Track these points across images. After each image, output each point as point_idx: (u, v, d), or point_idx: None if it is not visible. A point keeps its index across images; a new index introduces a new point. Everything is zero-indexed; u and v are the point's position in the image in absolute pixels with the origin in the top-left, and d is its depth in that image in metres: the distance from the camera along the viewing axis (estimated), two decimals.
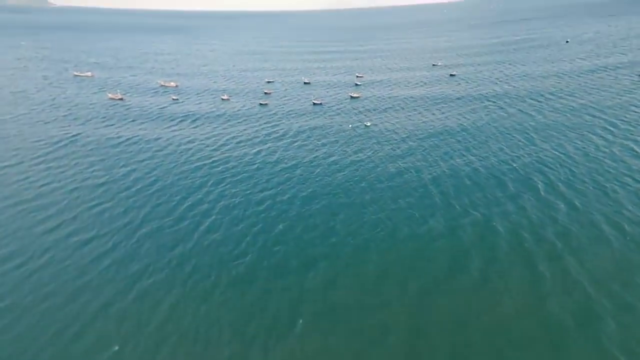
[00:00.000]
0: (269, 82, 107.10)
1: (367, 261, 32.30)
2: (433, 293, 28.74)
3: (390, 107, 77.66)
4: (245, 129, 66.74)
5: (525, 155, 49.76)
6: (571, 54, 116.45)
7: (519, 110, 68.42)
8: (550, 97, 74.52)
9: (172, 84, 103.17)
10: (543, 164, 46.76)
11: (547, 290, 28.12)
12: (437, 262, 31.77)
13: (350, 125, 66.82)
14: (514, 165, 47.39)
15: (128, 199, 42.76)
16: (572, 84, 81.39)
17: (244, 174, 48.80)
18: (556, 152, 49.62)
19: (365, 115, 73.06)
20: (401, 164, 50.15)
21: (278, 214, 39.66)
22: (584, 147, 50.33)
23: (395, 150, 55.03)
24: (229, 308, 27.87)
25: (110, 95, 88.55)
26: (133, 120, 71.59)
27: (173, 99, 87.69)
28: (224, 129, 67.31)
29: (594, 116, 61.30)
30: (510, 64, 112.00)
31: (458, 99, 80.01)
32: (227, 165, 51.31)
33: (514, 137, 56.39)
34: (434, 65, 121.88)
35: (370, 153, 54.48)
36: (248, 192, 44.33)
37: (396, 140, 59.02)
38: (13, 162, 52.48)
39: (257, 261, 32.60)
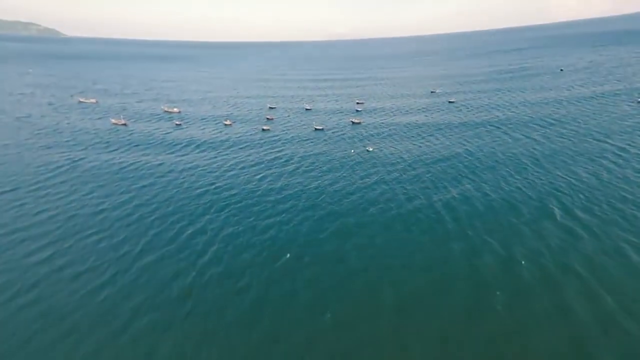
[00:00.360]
0: (271, 108, 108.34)
1: (381, 296, 30.00)
2: (456, 333, 26.28)
3: (392, 133, 77.70)
4: (248, 155, 66.06)
5: (536, 181, 48.63)
6: (567, 81, 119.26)
7: (524, 135, 68.32)
8: (554, 122, 74.86)
9: (176, 109, 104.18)
10: (556, 189, 45.50)
11: (583, 330, 25.73)
12: (457, 297, 29.49)
13: (353, 151, 66.38)
14: (526, 190, 46.11)
15: (127, 227, 40.85)
16: (573, 111, 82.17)
17: (248, 201, 47.25)
18: (568, 178, 48.55)
19: (367, 140, 72.86)
20: (409, 190, 48.83)
21: (284, 243, 37.68)
22: (595, 172, 49.35)
23: (402, 175, 53.95)
24: (231, 351, 25.27)
25: (113, 121, 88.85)
26: (135, 146, 71.07)
27: (176, 124, 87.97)
28: (227, 154, 66.63)
29: (600, 141, 61.01)
30: (508, 91, 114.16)
31: (461, 124, 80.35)
32: (230, 192, 49.87)
33: (522, 162, 55.59)
34: (432, 92, 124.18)
35: (376, 178, 53.34)
36: (252, 219, 42.56)
37: (402, 165, 58.15)
38: (9, 188, 50.97)
39: (263, 297, 30.24)
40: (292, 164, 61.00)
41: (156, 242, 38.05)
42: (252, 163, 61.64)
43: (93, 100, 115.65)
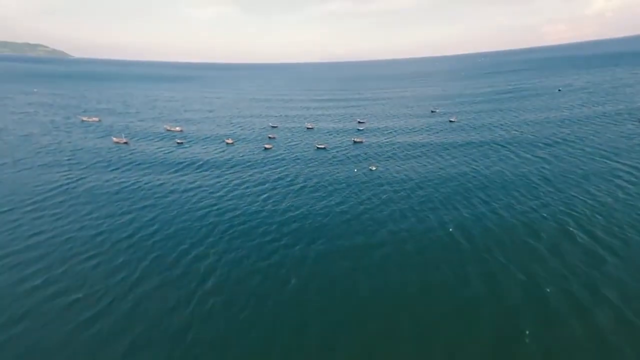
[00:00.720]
0: (273, 127, 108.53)
1: (398, 326, 27.76)
2: None
3: (394, 152, 76.97)
4: (251, 175, 64.75)
5: (550, 200, 47.19)
6: (567, 101, 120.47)
7: (531, 155, 67.49)
8: (559, 141, 74.41)
9: (178, 128, 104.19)
10: (572, 210, 43.96)
11: None
12: (480, 327, 27.29)
13: (355, 170, 65.49)
14: (540, 210, 44.55)
15: (126, 251, 38.81)
16: (577, 130, 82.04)
17: (252, 223, 45.40)
18: (582, 197, 47.15)
19: (371, 159, 71.98)
20: (419, 210, 47.22)
21: (290, 269, 35.60)
22: (611, 192, 48.02)
23: (410, 195, 52.48)
24: None
25: (115, 139, 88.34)
26: (137, 165, 69.91)
27: (178, 143, 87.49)
28: (230, 173, 65.32)
29: (610, 160, 60.15)
30: (508, 111, 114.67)
31: (466, 143, 79.77)
32: (233, 213, 48.12)
33: (532, 181, 54.35)
34: (432, 111, 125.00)
35: (384, 198, 51.85)
36: (256, 242, 40.64)
37: (409, 185, 56.81)
38: (5, 209, 49.11)
39: (269, 330, 27.90)
40: (297, 183, 59.65)
41: (156, 267, 35.96)
42: (256, 183, 60.25)
43: (96, 119, 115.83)
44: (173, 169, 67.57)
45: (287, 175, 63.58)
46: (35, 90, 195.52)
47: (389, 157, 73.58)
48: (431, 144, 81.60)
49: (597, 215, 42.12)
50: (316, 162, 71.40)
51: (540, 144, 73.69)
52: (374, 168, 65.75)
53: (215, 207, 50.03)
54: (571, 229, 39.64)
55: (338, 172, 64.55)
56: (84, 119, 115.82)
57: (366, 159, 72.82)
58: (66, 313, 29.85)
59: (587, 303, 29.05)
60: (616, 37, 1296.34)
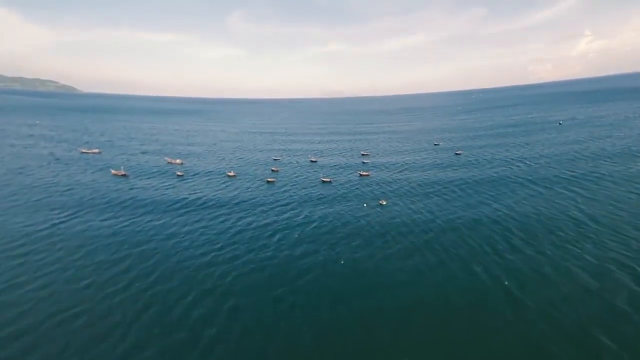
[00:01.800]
0: (275, 159, 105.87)
1: None
2: None
3: (406, 187, 72.47)
4: (258, 212, 58.77)
5: (606, 243, 41.66)
6: (572, 134, 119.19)
7: (564, 189, 62.67)
8: (586, 174, 70.13)
9: (178, 161, 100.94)
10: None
11: None
12: None
13: (365, 204, 60.94)
14: (602, 256, 38.80)
15: (119, 307, 32.47)
16: (602, 164, 77.92)
17: (264, 272, 39.21)
18: None
19: (382, 194, 67.40)
20: (456, 256, 41.44)
21: (314, 335, 29.37)
22: None
23: (439, 238, 46.77)
24: None
25: (113, 172, 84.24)
26: (135, 200, 64.65)
27: (178, 175, 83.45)
28: (236, 212, 59.36)
29: None
30: (516, 144, 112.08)
31: (485, 178, 75.49)
32: (243, 259, 42.02)
33: (579, 220, 48.46)
34: (435, 145, 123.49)
35: (411, 238, 46.41)
36: (271, 298, 34.52)
37: (435, 224, 51.32)
38: None
39: None
40: (308, 223, 53.50)
41: (153, 329, 29.57)
42: (264, 222, 54.14)
43: (96, 151, 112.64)
44: (174, 205, 62.24)
45: (297, 214, 58.20)
46: (37, 122, 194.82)
47: (402, 192, 68.90)
48: (444, 179, 77.20)
49: None
50: (324, 198, 66.51)
51: (566, 178, 69.66)
52: (384, 202, 61.72)
53: (223, 252, 44.16)
54: None
55: (350, 210, 59.38)
56: (84, 151, 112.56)
57: (377, 193, 68.29)
58: None
59: None
60: (599, 75, 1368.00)
